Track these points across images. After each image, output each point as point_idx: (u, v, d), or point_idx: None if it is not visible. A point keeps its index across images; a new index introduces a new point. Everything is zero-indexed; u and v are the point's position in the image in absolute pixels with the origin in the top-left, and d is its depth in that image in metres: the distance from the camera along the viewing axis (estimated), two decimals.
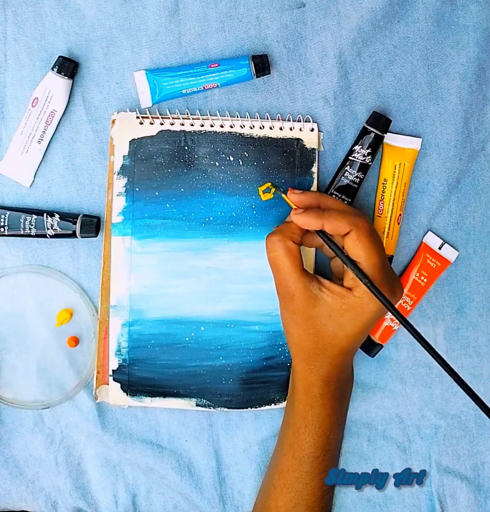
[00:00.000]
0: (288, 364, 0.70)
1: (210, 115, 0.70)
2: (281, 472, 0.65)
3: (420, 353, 0.72)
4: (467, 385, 0.58)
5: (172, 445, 0.72)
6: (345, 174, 0.69)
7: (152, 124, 0.69)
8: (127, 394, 0.70)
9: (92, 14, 0.69)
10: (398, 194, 0.70)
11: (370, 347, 0.71)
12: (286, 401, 0.69)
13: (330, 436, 0.64)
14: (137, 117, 0.69)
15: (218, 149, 0.69)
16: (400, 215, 0.70)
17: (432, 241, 0.71)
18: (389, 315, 0.70)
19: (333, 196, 0.69)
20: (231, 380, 0.70)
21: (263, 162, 0.69)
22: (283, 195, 0.63)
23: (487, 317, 0.73)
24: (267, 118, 0.70)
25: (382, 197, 0.70)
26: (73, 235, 0.68)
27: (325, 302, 0.60)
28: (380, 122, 0.68)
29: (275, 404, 0.71)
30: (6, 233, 0.68)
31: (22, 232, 0.68)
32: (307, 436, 0.64)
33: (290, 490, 0.64)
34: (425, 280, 0.71)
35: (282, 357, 0.70)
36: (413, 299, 0.71)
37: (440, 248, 0.71)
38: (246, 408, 0.71)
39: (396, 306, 0.67)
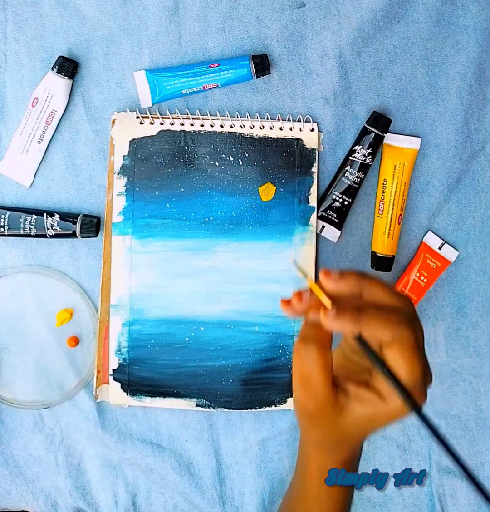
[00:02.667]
0: (289, 367, 0.70)
1: (210, 115, 0.70)
2: None
3: None
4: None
5: (172, 445, 0.72)
6: (346, 174, 0.69)
7: (152, 124, 0.69)
8: (127, 394, 0.70)
9: (92, 14, 0.69)
10: (398, 194, 0.70)
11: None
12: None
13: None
14: (137, 117, 0.69)
15: (218, 149, 0.69)
16: (400, 215, 0.70)
17: (432, 241, 0.71)
18: None
19: (334, 196, 0.69)
20: (231, 380, 0.70)
21: (263, 162, 0.69)
22: (312, 283, 0.49)
23: (487, 317, 0.73)
24: (267, 118, 0.70)
25: (383, 197, 0.70)
26: (73, 235, 0.68)
27: (353, 413, 0.51)
28: (380, 122, 0.68)
29: (275, 406, 0.71)
30: (6, 233, 0.68)
31: (22, 232, 0.68)
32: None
33: None
34: (425, 280, 0.71)
35: (283, 359, 0.70)
36: (413, 299, 0.71)
37: (440, 248, 0.71)
38: (246, 409, 0.71)
39: None
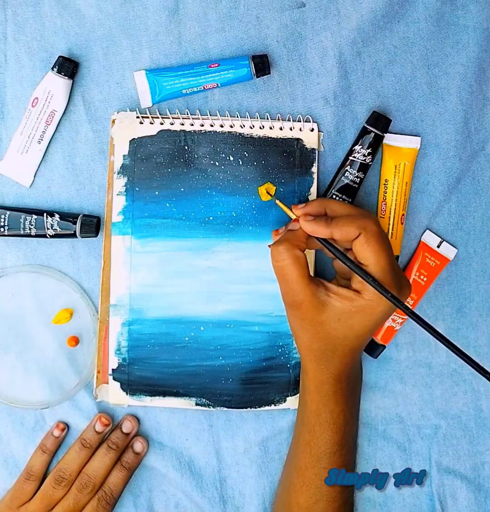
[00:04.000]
0: (288, 365, 0.70)
1: (210, 115, 0.70)
2: (299, 469, 0.65)
3: (420, 353, 0.72)
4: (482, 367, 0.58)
5: (172, 443, 0.72)
6: (346, 174, 0.69)
7: (152, 123, 0.69)
8: (127, 393, 0.70)
9: (92, 14, 0.69)
10: (400, 194, 0.70)
11: (373, 348, 0.71)
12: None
13: (345, 431, 0.64)
14: (137, 117, 0.69)
15: (218, 149, 0.69)
16: (403, 215, 0.70)
17: (430, 239, 0.71)
18: (391, 316, 0.69)
19: (334, 196, 0.69)
20: (230, 380, 0.70)
21: (263, 162, 0.69)
22: (285, 208, 0.63)
23: (487, 317, 0.72)
24: (267, 118, 0.70)
25: (384, 198, 0.70)
26: (73, 235, 0.68)
27: (334, 307, 0.59)
28: (380, 122, 0.68)
29: (275, 405, 0.71)
30: (6, 233, 0.68)
31: (22, 232, 0.68)
32: (322, 434, 0.64)
33: (309, 487, 0.65)
34: (425, 279, 0.71)
35: (282, 358, 0.70)
36: (413, 299, 0.71)
37: (438, 246, 0.71)
38: (246, 408, 0.71)
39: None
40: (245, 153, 0.69)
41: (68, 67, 0.67)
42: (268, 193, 0.65)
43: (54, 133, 0.69)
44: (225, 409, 0.71)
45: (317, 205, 0.62)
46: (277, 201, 0.64)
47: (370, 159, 0.69)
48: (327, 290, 0.60)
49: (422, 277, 0.70)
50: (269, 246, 0.62)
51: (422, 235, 0.72)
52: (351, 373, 0.64)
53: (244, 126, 0.69)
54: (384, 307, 0.59)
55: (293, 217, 0.62)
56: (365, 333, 0.61)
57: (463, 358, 0.57)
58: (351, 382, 0.65)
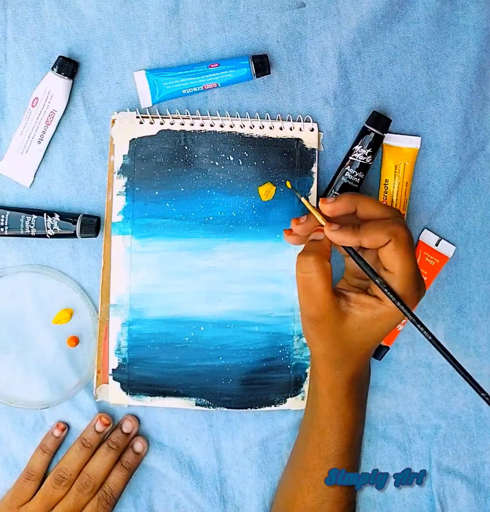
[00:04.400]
0: (288, 367, 0.70)
1: (210, 115, 0.70)
2: (307, 470, 0.65)
3: (420, 353, 0.72)
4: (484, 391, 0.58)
5: (172, 443, 0.72)
6: (345, 174, 0.69)
7: (152, 123, 0.69)
8: (127, 393, 0.70)
9: (92, 14, 0.69)
10: (400, 194, 0.70)
11: (378, 350, 0.71)
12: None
13: (355, 433, 0.65)
14: (137, 117, 0.69)
15: (218, 149, 0.69)
16: (403, 215, 0.70)
17: (428, 238, 0.71)
18: None
19: (334, 196, 0.69)
20: (230, 380, 0.70)
21: (263, 162, 0.69)
22: (311, 208, 0.59)
23: (487, 317, 0.73)
24: (267, 118, 0.70)
25: (385, 198, 0.70)
26: (73, 235, 0.68)
27: (355, 316, 0.58)
28: (380, 122, 0.68)
29: (275, 406, 0.71)
30: (6, 233, 0.68)
31: (22, 232, 0.68)
32: (333, 436, 0.64)
33: (317, 487, 0.65)
34: (425, 278, 0.71)
35: (282, 359, 0.70)
36: None
37: (437, 245, 0.71)
38: (246, 408, 0.71)
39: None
40: (245, 153, 0.69)
41: (68, 67, 0.67)
42: (293, 189, 0.62)
43: (54, 133, 0.69)
44: (225, 409, 0.71)
45: (347, 201, 0.59)
46: (303, 199, 0.60)
47: (370, 159, 0.69)
48: (348, 301, 0.58)
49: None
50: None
51: (420, 234, 0.72)
52: (363, 375, 0.65)
53: (244, 126, 0.69)
54: (401, 313, 0.58)
55: (322, 222, 0.59)
56: (383, 336, 0.60)
57: (474, 386, 0.58)
58: (362, 384, 0.65)
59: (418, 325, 0.57)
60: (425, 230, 0.71)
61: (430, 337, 0.57)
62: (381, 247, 0.56)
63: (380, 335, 0.60)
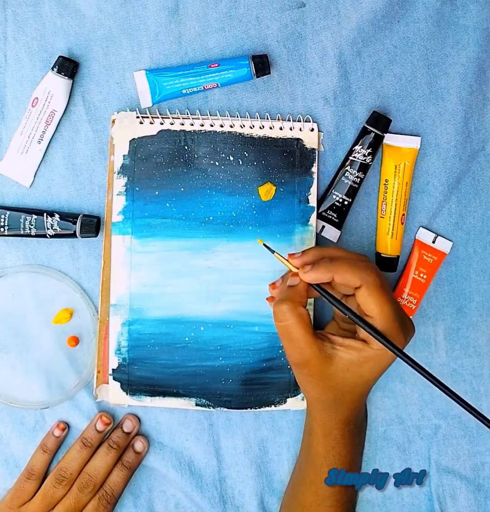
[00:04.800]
0: (288, 367, 0.70)
1: (210, 115, 0.70)
2: (304, 506, 0.66)
3: (420, 353, 0.72)
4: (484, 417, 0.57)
5: (172, 443, 0.72)
6: (346, 174, 0.69)
7: (152, 123, 0.69)
8: (127, 393, 0.70)
9: (92, 14, 0.69)
10: (400, 194, 0.70)
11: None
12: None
13: (351, 470, 0.65)
14: (137, 117, 0.69)
15: (218, 149, 0.69)
16: (403, 215, 0.70)
17: (425, 236, 0.71)
18: None
19: (334, 196, 0.69)
20: (230, 380, 0.70)
21: (263, 162, 0.69)
22: (282, 259, 0.61)
23: (487, 317, 0.73)
24: (267, 118, 0.70)
25: (385, 198, 0.70)
26: (73, 235, 0.68)
27: (341, 359, 0.58)
28: (380, 122, 0.68)
29: (274, 406, 0.71)
30: (6, 233, 0.68)
31: (22, 232, 0.68)
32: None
33: (318, 488, 0.65)
34: (424, 276, 0.71)
35: (282, 359, 0.70)
36: (416, 298, 0.71)
37: (433, 242, 0.71)
38: (246, 408, 0.71)
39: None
40: (245, 153, 0.69)
41: (68, 67, 0.67)
42: (266, 246, 0.62)
43: (54, 133, 0.69)
44: (225, 409, 0.71)
45: (313, 254, 0.60)
46: (276, 254, 0.61)
47: (370, 159, 0.69)
48: (333, 343, 0.59)
49: (421, 275, 0.70)
50: (270, 304, 0.61)
51: (416, 233, 0.72)
52: (359, 416, 0.65)
53: (244, 126, 0.69)
54: (393, 354, 0.58)
55: (293, 269, 0.60)
56: (375, 379, 0.61)
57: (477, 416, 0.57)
58: (359, 424, 0.65)
59: (406, 358, 0.57)
60: (421, 228, 0.71)
61: (421, 370, 0.58)
62: (355, 289, 0.58)
63: (370, 378, 0.60)
